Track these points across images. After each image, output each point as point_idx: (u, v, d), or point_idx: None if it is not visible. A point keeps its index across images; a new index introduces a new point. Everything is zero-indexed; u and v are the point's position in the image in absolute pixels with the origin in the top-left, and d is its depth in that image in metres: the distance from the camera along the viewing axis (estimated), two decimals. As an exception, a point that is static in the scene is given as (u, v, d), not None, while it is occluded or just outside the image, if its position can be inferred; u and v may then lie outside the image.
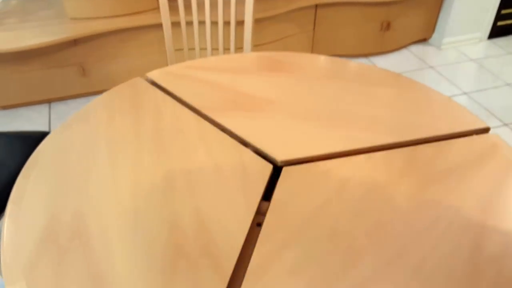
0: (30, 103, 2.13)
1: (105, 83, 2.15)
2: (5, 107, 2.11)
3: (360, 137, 0.88)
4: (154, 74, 1.06)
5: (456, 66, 2.49)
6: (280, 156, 0.83)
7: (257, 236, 0.70)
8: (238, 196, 0.75)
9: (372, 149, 0.86)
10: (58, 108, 2.12)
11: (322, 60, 1.14)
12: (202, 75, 1.07)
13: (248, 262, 0.66)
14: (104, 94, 1.00)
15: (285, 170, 0.80)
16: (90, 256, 0.65)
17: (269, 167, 0.81)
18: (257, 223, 0.73)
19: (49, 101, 2.16)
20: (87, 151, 0.84)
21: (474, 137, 0.89)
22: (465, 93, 2.25)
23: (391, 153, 0.84)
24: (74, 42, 2.00)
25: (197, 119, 0.92)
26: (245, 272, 0.64)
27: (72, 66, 2.06)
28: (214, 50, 2.02)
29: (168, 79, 1.05)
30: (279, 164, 0.83)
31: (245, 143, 0.88)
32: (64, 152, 0.85)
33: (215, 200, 0.74)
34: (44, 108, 2.11)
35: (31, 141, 1.19)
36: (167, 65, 2.20)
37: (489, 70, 2.45)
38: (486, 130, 0.91)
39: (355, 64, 1.12)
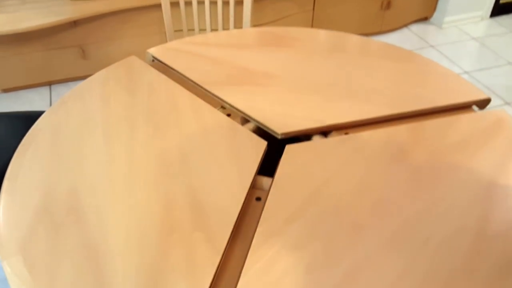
0: (31, 85, 2.13)
1: (105, 65, 2.15)
2: (6, 90, 2.11)
3: (361, 109, 0.88)
4: (154, 50, 1.06)
5: (457, 45, 2.47)
6: (280, 128, 0.83)
7: (257, 211, 0.71)
8: (232, 171, 0.75)
9: (373, 120, 0.86)
10: (59, 90, 2.12)
11: (322, 34, 1.13)
12: (202, 51, 1.06)
13: (244, 236, 0.66)
14: (99, 73, 1.00)
15: (288, 148, 0.80)
16: (85, 231, 0.66)
17: (264, 143, 0.81)
18: (256, 197, 0.73)
19: (49, 83, 2.16)
20: (82, 129, 0.85)
21: (479, 112, 0.89)
22: (466, 72, 2.24)
23: (394, 129, 0.84)
24: (74, 24, 1.98)
25: (192, 97, 0.92)
26: (248, 247, 0.64)
27: (72, 47, 2.05)
28: (214, 31, 2.00)
29: (168, 55, 1.05)
30: (280, 136, 0.83)
31: (246, 117, 0.88)
32: (60, 130, 0.85)
33: (209, 176, 0.75)
34: (45, 90, 2.11)
35: (32, 120, 1.19)
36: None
37: (491, 49, 2.43)
38: (487, 101, 0.91)
39: (356, 37, 1.12)
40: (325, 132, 0.86)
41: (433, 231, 0.66)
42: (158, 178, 0.74)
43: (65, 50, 2.05)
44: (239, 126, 0.85)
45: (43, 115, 0.89)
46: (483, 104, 0.92)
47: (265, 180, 0.76)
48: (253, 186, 0.75)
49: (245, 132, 0.84)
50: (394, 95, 0.92)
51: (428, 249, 0.64)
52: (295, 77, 0.98)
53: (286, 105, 0.89)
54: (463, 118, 0.86)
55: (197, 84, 0.96)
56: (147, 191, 0.72)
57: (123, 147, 0.81)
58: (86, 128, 0.85)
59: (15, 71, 2.05)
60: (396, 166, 0.77)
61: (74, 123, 0.86)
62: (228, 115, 0.89)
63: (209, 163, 0.77)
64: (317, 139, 0.83)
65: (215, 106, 0.91)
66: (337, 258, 0.62)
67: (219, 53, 1.06)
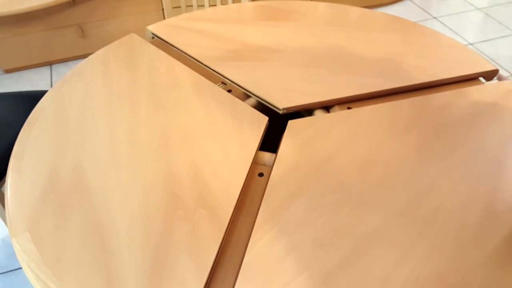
0: (32, 66, 2.12)
1: (104, 43, 2.14)
2: (8, 71, 2.11)
3: (363, 83, 0.87)
4: (154, 27, 1.05)
5: (461, 16, 2.43)
6: (282, 103, 0.83)
7: (260, 187, 0.71)
8: (234, 147, 0.75)
9: (376, 94, 0.86)
10: (59, 70, 2.11)
11: (323, 6, 1.11)
12: (201, 27, 1.05)
13: (247, 212, 0.67)
14: (100, 51, 0.99)
15: (290, 123, 0.80)
16: (91, 209, 0.67)
17: (265, 119, 0.81)
18: (259, 173, 0.74)
19: (50, 63, 2.15)
20: (84, 106, 0.85)
21: (488, 84, 0.87)
22: (470, 44, 2.21)
23: (399, 103, 0.83)
24: (73, 3, 1.96)
25: (192, 73, 0.92)
26: (252, 225, 0.64)
27: (71, 27, 2.04)
28: (212, 6, 1.98)
29: (168, 32, 1.04)
30: (282, 111, 0.83)
31: (247, 92, 0.88)
32: (63, 108, 0.85)
33: (211, 152, 0.75)
34: (45, 70, 2.11)
35: (34, 99, 1.19)
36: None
37: (495, 19, 2.39)
38: (494, 73, 0.90)
39: (357, 9, 1.10)
40: (327, 106, 0.85)
41: (440, 205, 0.65)
42: (161, 155, 0.75)
43: (65, 29, 2.04)
44: (240, 102, 0.84)
45: (46, 94, 0.89)
46: (490, 75, 0.91)
47: (267, 156, 0.76)
48: (255, 162, 0.75)
49: (246, 108, 0.83)
50: (398, 68, 0.91)
51: (435, 223, 0.63)
52: (296, 51, 0.97)
53: (287, 80, 0.89)
54: (470, 91, 0.85)
55: (198, 61, 0.95)
56: (150, 168, 0.73)
57: (125, 125, 0.81)
58: (88, 107, 0.85)
59: (16, 52, 2.04)
60: (401, 141, 0.76)
61: (77, 101, 0.86)
62: (229, 91, 0.89)
63: (210, 139, 0.77)
64: (319, 114, 0.82)
65: (215, 82, 0.91)
66: (343, 233, 0.62)
67: (218, 28, 1.05)
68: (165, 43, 1.01)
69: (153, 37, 1.03)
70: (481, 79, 0.91)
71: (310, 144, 0.76)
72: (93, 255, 0.60)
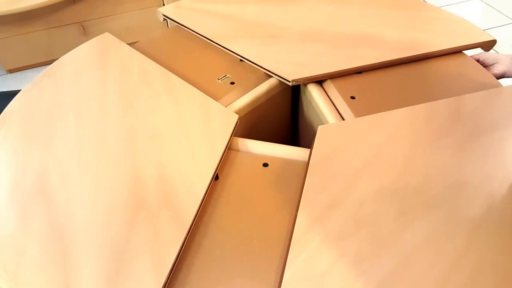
0: (34, 65, 2.18)
1: None
2: (11, 71, 2.16)
3: (367, 54, 0.92)
4: (165, 9, 1.11)
5: (461, 5, 2.49)
6: (291, 76, 0.88)
7: (265, 177, 0.72)
8: (202, 147, 0.75)
9: (379, 65, 0.91)
10: (63, 68, 2.16)
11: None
12: (210, 8, 1.11)
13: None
14: (73, 51, 1.00)
15: (321, 129, 0.77)
16: (52, 212, 0.67)
17: (235, 117, 0.81)
18: (263, 163, 0.75)
19: (52, 62, 2.20)
20: (53, 109, 0.85)
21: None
22: (471, 32, 2.27)
23: (432, 104, 0.80)
24: (73, 1, 2.02)
25: (164, 72, 0.92)
26: (290, 237, 0.62)
27: (73, 25, 2.09)
28: None
29: (178, 13, 1.10)
30: (291, 83, 0.88)
31: (258, 67, 0.93)
32: (31, 111, 0.86)
33: (179, 152, 0.75)
34: (48, 69, 2.16)
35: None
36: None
37: (495, 8, 2.46)
38: (493, 43, 0.96)
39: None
40: (334, 77, 0.91)
41: (488, 207, 0.62)
42: (127, 156, 0.75)
43: (66, 27, 2.09)
44: (212, 101, 0.85)
45: (15, 97, 0.89)
46: (488, 45, 0.97)
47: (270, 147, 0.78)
48: (229, 147, 0.76)
49: (217, 107, 0.83)
50: (402, 40, 0.96)
51: (483, 232, 0.60)
52: (302, 28, 1.02)
53: (295, 55, 0.94)
54: (502, 93, 0.82)
55: (209, 39, 1.01)
56: (115, 170, 0.73)
57: (93, 126, 0.81)
58: (57, 108, 0.85)
59: (18, 51, 2.09)
60: (438, 144, 0.72)
61: (46, 103, 0.87)
62: (232, 83, 0.92)
63: (179, 140, 0.77)
64: (349, 119, 0.80)
65: (218, 75, 0.95)
66: (386, 246, 0.59)
67: (226, 9, 1.10)
68: (178, 24, 1.06)
69: (164, 19, 1.09)
70: (480, 49, 0.97)
71: (343, 151, 0.72)
72: (52, 260, 0.61)
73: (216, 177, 0.73)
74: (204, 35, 1.02)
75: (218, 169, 0.73)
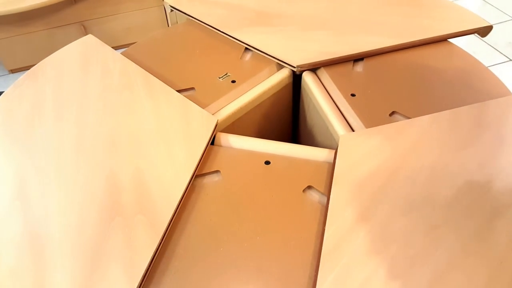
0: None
1: (107, 42, 2.19)
2: (13, 71, 2.20)
3: (369, 40, 0.97)
4: (172, 1, 1.15)
5: (460, 2, 2.55)
6: (296, 62, 0.93)
7: (267, 175, 0.74)
8: (180, 151, 0.76)
9: (380, 50, 0.96)
10: (64, 68, 2.20)
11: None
12: (215, -1, 1.16)
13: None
14: (55, 53, 1.01)
15: (343, 138, 0.77)
16: (29, 217, 0.68)
17: (214, 120, 0.82)
18: (265, 161, 0.77)
19: (53, 62, 2.24)
20: (33, 113, 0.86)
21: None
22: (469, 29, 2.32)
23: (456, 111, 0.79)
24: (74, 1, 2.07)
25: (146, 75, 0.93)
26: (318, 255, 0.60)
27: (74, 25, 2.13)
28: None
29: (185, 4, 1.14)
30: (296, 69, 0.93)
31: (264, 54, 0.98)
32: (11, 115, 0.87)
33: (157, 156, 0.76)
34: (50, 69, 2.20)
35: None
36: (166, 19, 2.28)
37: (494, 5, 2.51)
38: (489, 29, 1.01)
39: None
40: (337, 62, 0.96)
41: None
42: (105, 160, 0.76)
43: (67, 27, 2.13)
44: (191, 104, 0.86)
45: None
46: (485, 31, 1.02)
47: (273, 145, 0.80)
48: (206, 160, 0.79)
49: (196, 109, 0.84)
50: (402, 26, 1.01)
51: None
52: (306, 16, 1.07)
53: (300, 41, 0.98)
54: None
55: (216, 29, 1.05)
56: (92, 174, 0.74)
57: (72, 130, 0.82)
58: (37, 112, 0.86)
59: (20, 51, 2.12)
60: (465, 153, 0.71)
61: (26, 107, 0.88)
62: (233, 81, 0.93)
63: (157, 143, 0.78)
64: (371, 129, 0.78)
65: (220, 74, 0.98)
66: (419, 263, 0.58)
67: None
68: (184, 14, 1.11)
69: (171, 10, 1.14)
70: (476, 35, 1.02)
71: (368, 161, 0.72)
72: (26, 265, 0.62)
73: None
74: (210, 25, 1.06)
75: (219, 167, 0.75)
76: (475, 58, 0.95)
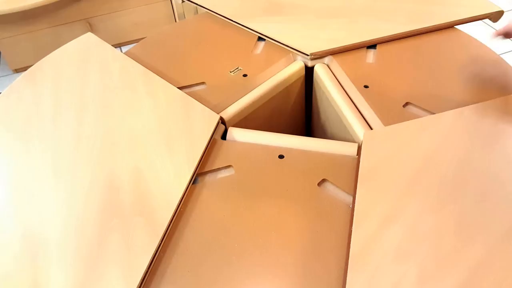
0: (41, 63, 2.25)
1: (113, 38, 2.26)
2: (17, 70, 2.24)
3: (380, 27, 1.01)
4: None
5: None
6: (309, 50, 0.97)
7: (280, 169, 0.74)
8: (180, 150, 0.76)
9: (393, 37, 1.00)
10: (70, 66, 2.24)
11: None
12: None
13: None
14: (53, 53, 1.02)
15: (366, 135, 0.77)
16: (25, 220, 0.68)
17: (216, 118, 0.82)
18: (279, 155, 0.78)
19: (59, 60, 2.28)
20: (31, 114, 0.87)
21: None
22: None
23: (483, 106, 0.79)
24: (79, -3, 2.11)
25: (146, 73, 0.94)
26: (346, 256, 0.60)
27: (79, 22, 2.15)
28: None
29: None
30: (310, 57, 0.97)
31: (277, 43, 1.02)
32: (9, 117, 0.87)
33: (157, 156, 0.76)
34: (56, 67, 2.24)
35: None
36: (173, 15, 2.32)
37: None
38: (500, 14, 1.06)
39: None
40: (351, 49, 1.00)
41: None
42: (104, 161, 0.76)
43: (72, 25, 2.15)
44: (193, 101, 0.86)
45: None
46: (496, 16, 1.06)
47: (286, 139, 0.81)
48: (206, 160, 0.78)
49: (198, 107, 0.84)
50: (414, 13, 1.05)
51: None
52: (318, 4, 1.11)
53: (313, 30, 1.02)
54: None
55: (228, 19, 1.09)
56: (90, 175, 0.74)
57: (70, 131, 0.82)
58: (35, 114, 0.87)
59: (24, 50, 2.15)
60: (492, 149, 0.71)
61: (24, 108, 0.88)
62: (245, 75, 0.98)
63: (157, 143, 0.78)
64: (395, 125, 0.78)
65: (230, 69, 1.00)
66: (450, 264, 0.57)
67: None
68: (196, 5, 1.15)
69: (183, 1, 1.19)
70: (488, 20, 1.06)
71: (393, 159, 0.71)
72: (22, 268, 0.62)
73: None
74: (223, 15, 1.10)
75: (231, 162, 0.75)
76: (485, 45, 0.99)
